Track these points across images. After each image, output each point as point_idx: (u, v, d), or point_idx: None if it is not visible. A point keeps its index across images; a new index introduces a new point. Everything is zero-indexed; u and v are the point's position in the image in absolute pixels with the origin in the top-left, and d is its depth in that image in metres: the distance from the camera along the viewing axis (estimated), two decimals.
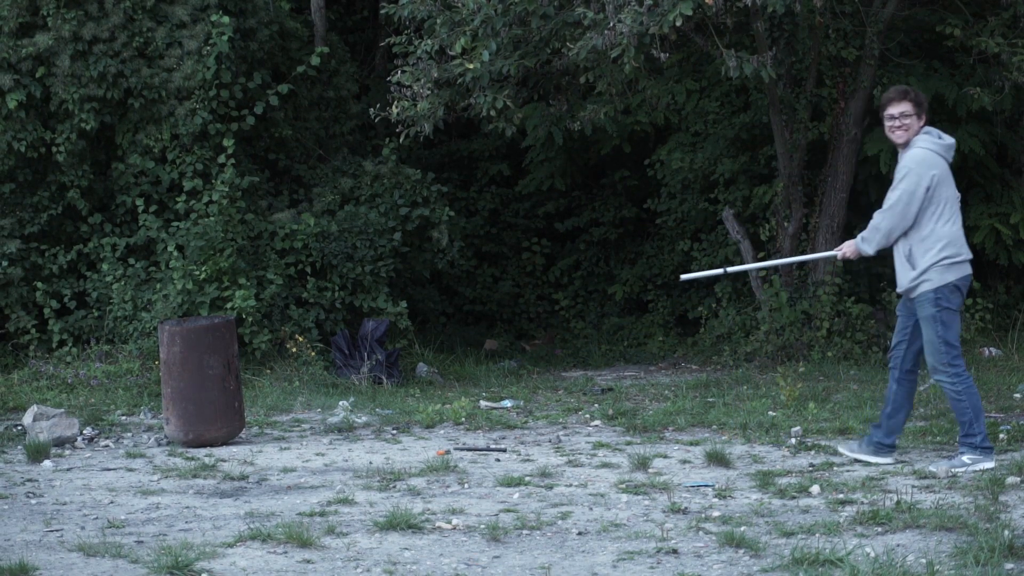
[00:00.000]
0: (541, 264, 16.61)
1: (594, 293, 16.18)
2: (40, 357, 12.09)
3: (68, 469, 8.06)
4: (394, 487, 7.32)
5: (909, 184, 7.34)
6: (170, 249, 11.94)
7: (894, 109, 7.50)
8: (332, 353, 12.04)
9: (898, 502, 6.47)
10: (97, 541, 6.11)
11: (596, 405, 10.33)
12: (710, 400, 10.27)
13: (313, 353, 11.73)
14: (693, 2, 9.92)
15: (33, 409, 8.89)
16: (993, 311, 13.11)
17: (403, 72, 11.46)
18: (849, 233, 12.96)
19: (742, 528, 6.12)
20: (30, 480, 7.71)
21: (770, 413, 9.40)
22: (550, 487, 7.29)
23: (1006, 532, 5.60)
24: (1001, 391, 10.19)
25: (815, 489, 6.95)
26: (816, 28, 12.14)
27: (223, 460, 8.22)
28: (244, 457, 8.35)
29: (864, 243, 7.57)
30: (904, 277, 7.47)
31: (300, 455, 8.44)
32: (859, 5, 12.10)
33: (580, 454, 8.29)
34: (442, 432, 9.30)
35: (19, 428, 9.19)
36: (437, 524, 6.37)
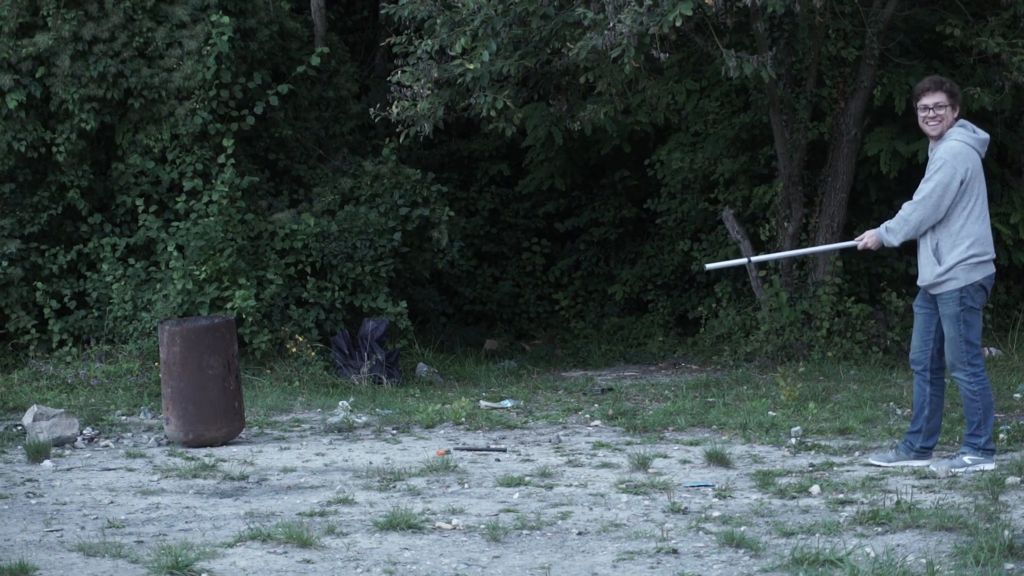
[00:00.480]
0: (541, 264, 16.61)
1: (594, 293, 16.18)
2: (40, 357, 12.09)
3: (68, 469, 8.06)
4: (394, 487, 7.32)
5: (944, 176, 7.18)
6: (170, 249, 11.94)
7: (928, 99, 7.35)
8: (332, 353, 12.04)
9: (898, 502, 6.47)
10: (97, 541, 6.11)
11: (596, 405, 10.33)
12: (710, 400, 10.27)
13: (313, 353, 11.73)
14: (693, 2, 9.92)
15: (33, 409, 8.88)
16: (993, 311, 13.11)
17: (403, 72, 11.46)
18: (849, 233, 12.98)
19: (742, 528, 6.13)
20: (30, 480, 7.71)
21: (770, 413, 9.40)
22: (550, 487, 7.29)
23: (1006, 532, 5.60)
24: (1001, 391, 10.19)
25: (815, 489, 6.95)
26: (816, 28, 12.14)
27: (223, 460, 8.22)
28: (244, 457, 8.35)
29: (889, 233, 7.38)
30: (929, 272, 7.33)
31: (300, 455, 8.44)
32: (859, 5, 12.09)
33: (580, 454, 8.29)
34: (442, 432, 9.29)
35: (19, 428, 9.19)
36: (437, 524, 6.37)
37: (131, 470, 8.00)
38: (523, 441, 8.89)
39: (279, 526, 6.25)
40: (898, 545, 5.76)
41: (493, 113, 11.47)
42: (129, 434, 9.30)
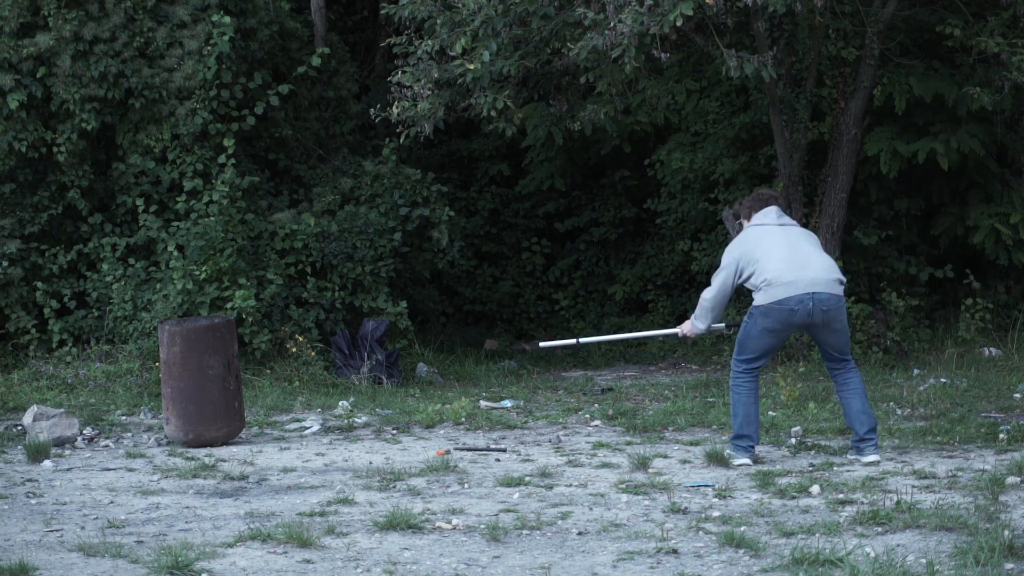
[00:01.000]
0: (541, 264, 16.60)
1: (594, 293, 16.18)
2: (40, 357, 12.09)
3: (68, 469, 8.06)
4: (394, 487, 7.32)
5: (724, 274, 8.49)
6: (170, 249, 11.94)
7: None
8: (332, 353, 12.04)
9: (898, 502, 6.47)
10: (97, 541, 6.11)
11: (596, 405, 10.33)
12: (710, 400, 10.27)
13: (313, 353, 11.73)
14: (693, 2, 9.91)
15: (33, 409, 8.89)
16: (993, 311, 13.10)
17: (403, 72, 11.45)
18: (849, 233, 13.00)
19: (742, 528, 6.13)
20: (30, 480, 7.71)
21: (770, 413, 9.40)
22: (550, 487, 7.29)
23: (1006, 532, 5.60)
24: (1001, 391, 10.20)
25: (815, 489, 6.95)
26: (816, 28, 12.14)
27: (223, 460, 8.22)
28: (244, 457, 8.36)
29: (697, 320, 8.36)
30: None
31: (300, 455, 8.44)
32: (859, 5, 12.09)
33: (580, 454, 8.29)
34: (442, 432, 9.29)
35: (19, 428, 9.19)
36: (437, 524, 6.37)
37: (131, 470, 8.00)
38: (523, 441, 8.89)
39: (279, 526, 6.25)
40: (898, 545, 5.76)
41: (493, 113, 11.47)
42: (129, 434, 9.31)
